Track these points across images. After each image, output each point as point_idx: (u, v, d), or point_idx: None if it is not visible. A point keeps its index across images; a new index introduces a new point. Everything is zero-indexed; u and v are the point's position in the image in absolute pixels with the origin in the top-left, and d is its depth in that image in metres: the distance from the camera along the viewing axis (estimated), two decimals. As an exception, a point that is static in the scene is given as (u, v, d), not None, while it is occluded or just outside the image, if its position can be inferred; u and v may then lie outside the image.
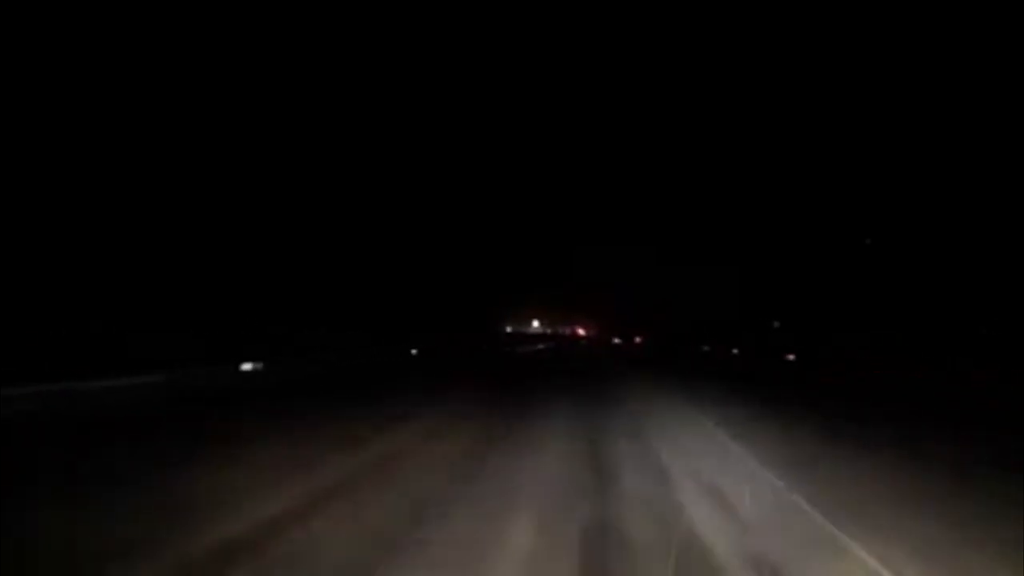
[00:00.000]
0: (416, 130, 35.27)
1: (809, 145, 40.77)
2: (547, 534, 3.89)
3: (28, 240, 14.54)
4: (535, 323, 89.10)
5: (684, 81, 56.86)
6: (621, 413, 9.75)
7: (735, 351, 48.30)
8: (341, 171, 28.29)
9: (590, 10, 48.99)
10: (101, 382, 9.95)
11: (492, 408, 9.92)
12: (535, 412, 9.50)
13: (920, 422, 10.48)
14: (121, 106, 17.67)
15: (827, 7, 36.04)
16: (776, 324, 51.44)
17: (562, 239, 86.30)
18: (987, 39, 27.72)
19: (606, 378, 17.72)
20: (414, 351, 26.45)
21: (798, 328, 45.06)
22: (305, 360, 16.99)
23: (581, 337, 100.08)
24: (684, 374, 20.99)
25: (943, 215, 32.30)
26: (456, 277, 43.81)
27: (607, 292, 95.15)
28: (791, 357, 35.88)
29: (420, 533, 3.87)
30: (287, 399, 10.37)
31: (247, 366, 13.92)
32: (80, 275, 15.26)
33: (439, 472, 5.51)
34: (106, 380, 10.07)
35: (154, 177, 18.38)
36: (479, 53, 46.53)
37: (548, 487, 5.06)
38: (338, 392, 11.68)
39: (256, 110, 22.42)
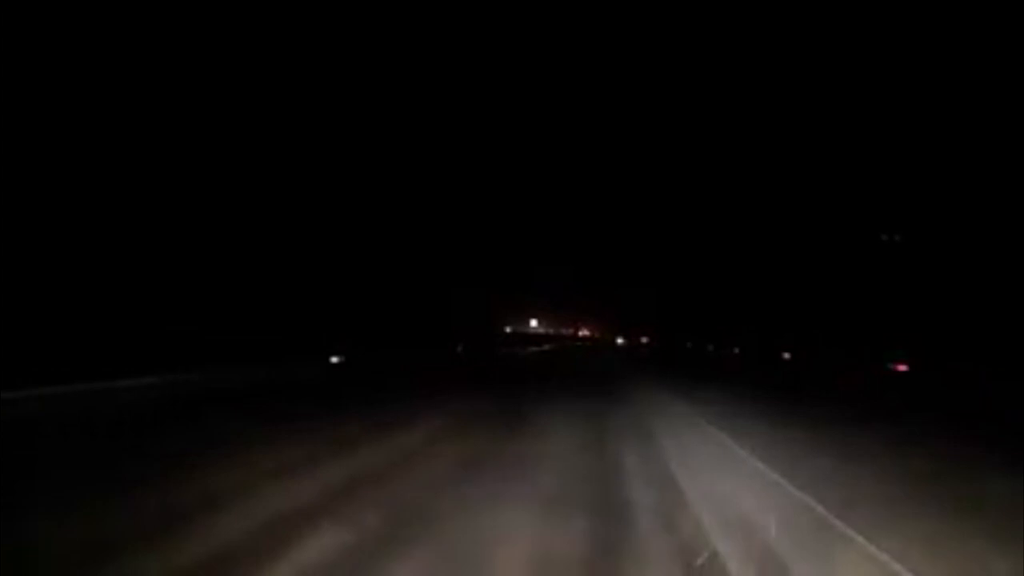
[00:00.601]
0: (416, 131, 35.32)
1: (810, 144, 40.54)
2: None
3: (31, 241, 14.66)
4: (533, 322, 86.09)
5: (685, 80, 56.91)
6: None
7: (786, 355, 36.23)
8: (340, 173, 28.33)
9: (589, 10, 49.12)
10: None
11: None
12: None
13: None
14: (121, 108, 17.79)
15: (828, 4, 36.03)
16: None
17: (564, 239, 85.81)
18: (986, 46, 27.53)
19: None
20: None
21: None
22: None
23: (584, 337, 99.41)
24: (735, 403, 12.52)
25: (948, 213, 31.79)
26: (455, 274, 42.98)
27: (609, 291, 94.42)
28: (902, 367, 25.01)
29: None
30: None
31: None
32: (80, 276, 15.39)
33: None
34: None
35: (144, 179, 18.37)
36: (477, 51, 46.67)
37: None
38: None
39: (251, 112, 22.48)
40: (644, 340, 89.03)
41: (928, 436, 9.53)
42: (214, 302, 19.09)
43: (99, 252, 16.36)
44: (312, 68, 26.09)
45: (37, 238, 14.88)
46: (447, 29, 39.17)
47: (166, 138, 19.16)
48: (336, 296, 26.88)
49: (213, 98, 20.89)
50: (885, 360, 26.47)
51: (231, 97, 21.73)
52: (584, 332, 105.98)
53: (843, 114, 37.44)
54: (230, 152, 21.64)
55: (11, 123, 14.56)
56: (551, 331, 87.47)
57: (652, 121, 71.84)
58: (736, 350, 45.08)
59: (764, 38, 43.78)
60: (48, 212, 15.41)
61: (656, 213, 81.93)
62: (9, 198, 14.17)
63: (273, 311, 21.72)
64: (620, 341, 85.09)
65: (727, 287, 59.89)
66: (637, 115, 71.31)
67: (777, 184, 47.77)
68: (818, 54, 37.76)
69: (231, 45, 21.54)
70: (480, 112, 47.89)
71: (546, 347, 47.25)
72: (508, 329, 68.46)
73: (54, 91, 16.06)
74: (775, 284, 48.15)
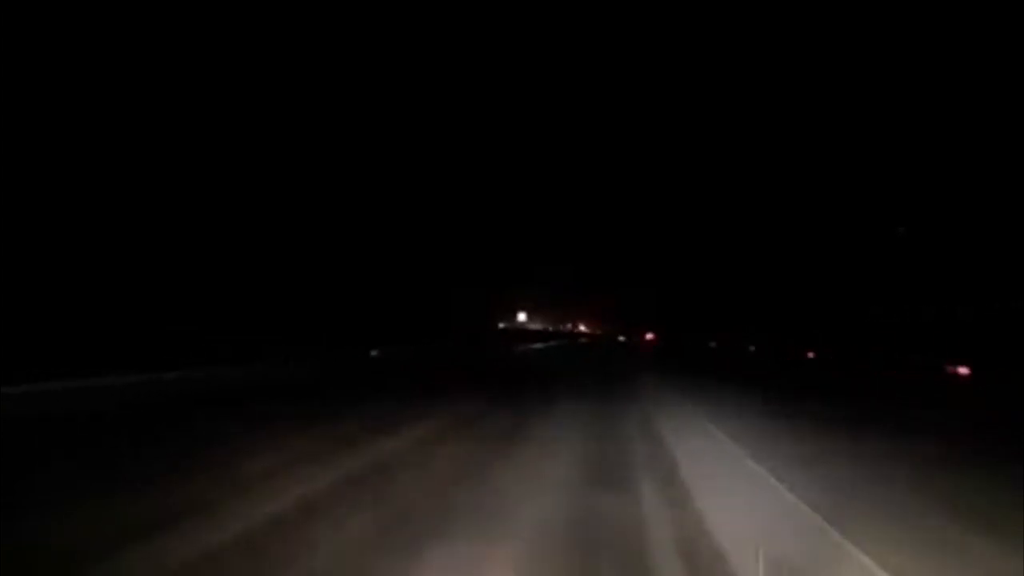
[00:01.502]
0: (415, 130, 35.55)
1: (808, 136, 40.14)
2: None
3: (31, 241, 15.04)
4: (521, 316, 78.85)
5: (685, 78, 56.87)
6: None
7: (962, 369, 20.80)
8: (340, 173, 28.62)
9: (589, 10, 49.18)
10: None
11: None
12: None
13: None
14: (121, 108, 18.13)
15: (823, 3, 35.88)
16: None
17: (563, 238, 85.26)
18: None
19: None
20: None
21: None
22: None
23: (583, 334, 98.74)
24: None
25: (950, 210, 31.21)
26: (452, 272, 42.81)
27: (609, 289, 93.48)
28: None
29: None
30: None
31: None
32: (81, 276, 15.78)
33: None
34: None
35: (144, 179, 18.66)
36: (477, 51, 46.80)
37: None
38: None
39: (251, 112, 22.77)
40: (649, 337, 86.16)
41: None
42: (213, 302, 19.41)
43: (99, 251, 16.74)
44: (312, 68, 26.37)
45: (37, 238, 15.25)
46: (447, 29, 39.42)
47: (166, 138, 19.49)
48: (320, 297, 25.77)
49: (213, 98, 21.21)
50: None
51: (231, 97, 22.04)
52: (583, 328, 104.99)
53: (843, 106, 37.21)
54: (230, 152, 21.96)
55: (11, 123, 14.92)
56: (548, 328, 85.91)
57: (652, 120, 71.78)
58: (810, 354, 31.70)
59: (764, 36, 43.84)
60: (48, 212, 15.77)
61: (656, 212, 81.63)
62: (9, 198, 14.55)
63: (270, 311, 21.47)
64: (621, 339, 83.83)
65: (747, 281, 55.52)
66: (636, 114, 71.20)
67: (777, 179, 47.36)
68: (817, 51, 37.78)
69: (231, 45, 21.86)
70: (479, 112, 48.01)
71: (539, 345, 46.87)
72: (502, 325, 67.14)
73: (54, 91, 16.40)
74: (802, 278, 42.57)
